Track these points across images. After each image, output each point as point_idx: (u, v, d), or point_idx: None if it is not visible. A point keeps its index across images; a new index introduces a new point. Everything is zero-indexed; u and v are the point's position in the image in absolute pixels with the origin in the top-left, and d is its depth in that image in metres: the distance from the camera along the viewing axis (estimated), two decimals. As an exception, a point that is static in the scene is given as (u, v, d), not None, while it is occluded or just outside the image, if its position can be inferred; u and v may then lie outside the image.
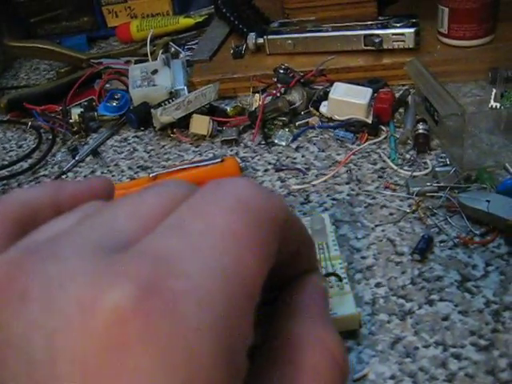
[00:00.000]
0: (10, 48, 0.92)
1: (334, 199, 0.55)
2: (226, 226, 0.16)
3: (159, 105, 0.69)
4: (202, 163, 0.57)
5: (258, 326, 0.22)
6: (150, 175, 0.57)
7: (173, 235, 0.16)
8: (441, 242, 0.48)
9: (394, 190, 0.55)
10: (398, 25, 0.72)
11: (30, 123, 0.78)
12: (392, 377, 0.38)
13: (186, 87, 0.73)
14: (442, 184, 0.53)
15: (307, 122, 0.66)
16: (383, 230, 0.50)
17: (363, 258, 0.48)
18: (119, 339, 0.14)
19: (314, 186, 0.57)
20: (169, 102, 0.69)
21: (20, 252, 0.16)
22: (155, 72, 0.76)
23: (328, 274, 0.41)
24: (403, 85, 0.71)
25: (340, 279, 0.41)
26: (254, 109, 0.68)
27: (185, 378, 0.14)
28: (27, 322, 0.14)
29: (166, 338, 0.14)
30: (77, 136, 0.74)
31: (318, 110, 0.67)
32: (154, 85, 0.74)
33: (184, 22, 1.00)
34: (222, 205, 0.17)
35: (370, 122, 0.63)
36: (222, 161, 0.57)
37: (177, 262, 0.15)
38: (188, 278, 0.15)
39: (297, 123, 0.67)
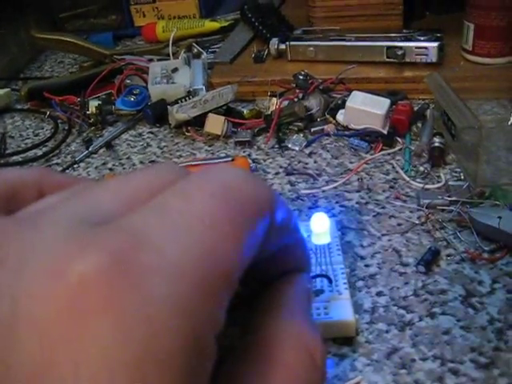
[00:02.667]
0: (36, 39, 0.93)
1: (342, 206, 0.54)
2: (206, 209, 0.16)
3: (176, 102, 0.69)
4: (212, 161, 0.57)
5: (237, 323, 0.21)
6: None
7: (152, 213, 0.16)
8: (448, 255, 0.47)
9: (405, 201, 0.54)
10: (422, 38, 0.71)
11: (48, 113, 0.79)
12: (385, 387, 0.37)
13: (204, 87, 0.73)
14: (453, 198, 0.52)
15: (322, 129, 0.66)
16: (389, 240, 0.49)
17: (367, 266, 0.46)
18: (80, 306, 0.14)
19: (323, 191, 0.56)
20: (185, 100, 0.69)
21: (2, 221, 0.16)
22: (175, 70, 0.76)
23: (317, 276, 0.40)
24: (423, 99, 0.70)
25: (330, 281, 0.40)
26: (270, 112, 0.67)
27: (141, 350, 0.13)
28: None
29: (126, 310, 0.14)
30: (92, 128, 0.74)
31: (334, 117, 0.67)
32: (172, 82, 0.74)
33: (209, 25, 1.00)
34: (205, 188, 0.17)
35: (385, 132, 0.62)
36: (232, 160, 0.57)
37: (151, 237, 0.15)
38: (160, 253, 0.15)
39: (312, 129, 0.66)
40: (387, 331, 0.41)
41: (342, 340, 0.40)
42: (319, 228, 0.42)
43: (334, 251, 0.44)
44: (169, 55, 0.87)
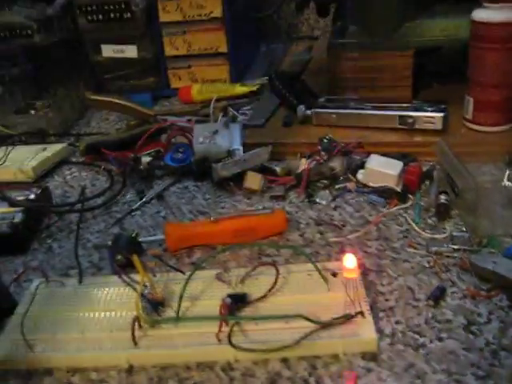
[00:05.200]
0: (87, 100, 1.06)
1: (364, 252, 0.65)
2: None
3: (219, 161, 0.81)
4: (256, 211, 0.68)
5: None
6: (212, 218, 0.68)
7: None
8: (452, 292, 0.57)
9: (416, 249, 0.65)
10: (430, 109, 0.84)
11: (103, 166, 0.91)
12: (404, 393, 0.47)
13: (241, 147, 0.85)
14: (457, 246, 0.63)
15: (345, 186, 0.77)
16: (405, 280, 0.60)
17: (386, 300, 0.57)
18: None
19: (348, 239, 0.67)
20: (227, 159, 0.81)
21: None
22: (216, 132, 0.88)
23: (355, 314, 0.51)
24: (430, 161, 0.81)
25: (364, 317, 0.52)
26: (300, 171, 0.79)
27: None
28: None
29: None
30: (144, 181, 0.85)
31: (355, 176, 0.78)
32: (214, 143, 0.86)
33: (240, 89, 1.13)
34: None
35: (399, 190, 0.74)
36: (272, 212, 0.68)
37: None
38: None
39: (336, 186, 0.78)
40: (404, 351, 0.51)
41: (370, 356, 0.50)
42: (349, 265, 0.54)
43: (359, 285, 0.55)
44: (206, 115, 1.00)
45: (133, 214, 0.79)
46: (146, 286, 0.58)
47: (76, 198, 0.84)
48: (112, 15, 1.15)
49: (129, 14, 1.15)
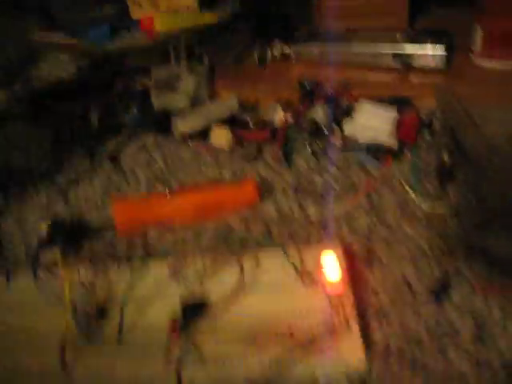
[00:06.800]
0: (32, 42, 0.91)
1: (352, 230, 0.54)
2: None
3: (180, 113, 0.68)
4: (221, 183, 0.57)
5: None
6: (168, 192, 0.57)
7: None
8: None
9: (414, 226, 0.53)
10: (429, 46, 0.70)
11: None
12: None
13: (207, 96, 0.72)
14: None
15: (329, 141, 0.65)
16: (401, 271, 0.49)
17: (378, 298, 0.47)
18: None
19: (333, 213, 0.56)
20: (189, 112, 0.68)
21: None
22: (178, 77, 0.74)
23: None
24: (428, 104, 0.69)
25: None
26: (276, 126, 0.66)
27: None
28: None
29: None
30: (95, 140, 0.73)
31: (340, 127, 0.66)
32: (175, 90, 0.73)
33: (208, 18, 0.98)
34: None
35: (393, 146, 0.62)
36: (240, 183, 0.57)
37: None
38: None
39: (319, 142, 0.65)
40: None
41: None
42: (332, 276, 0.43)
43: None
44: (167, 51, 0.86)
45: (80, 182, 0.67)
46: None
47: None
48: None
49: None
